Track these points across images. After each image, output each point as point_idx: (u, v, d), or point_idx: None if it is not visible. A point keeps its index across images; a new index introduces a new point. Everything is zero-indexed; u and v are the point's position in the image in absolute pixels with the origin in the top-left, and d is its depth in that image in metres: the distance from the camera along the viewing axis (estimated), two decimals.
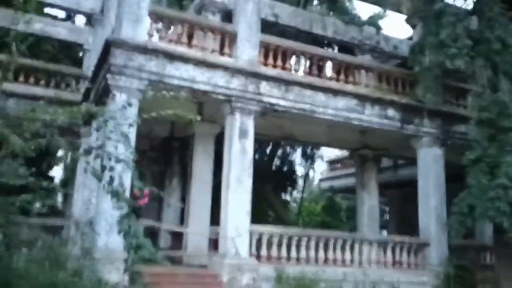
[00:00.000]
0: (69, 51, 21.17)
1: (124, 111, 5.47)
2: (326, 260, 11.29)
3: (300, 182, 26.60)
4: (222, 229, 10.30)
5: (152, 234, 14.77)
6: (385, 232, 22.74)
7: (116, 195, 4.71)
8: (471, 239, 14.40)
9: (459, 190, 13.98)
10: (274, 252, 10.75)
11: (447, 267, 11.63)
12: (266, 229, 10.95)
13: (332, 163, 27.45)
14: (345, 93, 11.87)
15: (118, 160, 4.77)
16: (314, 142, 15.60)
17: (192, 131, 13.05)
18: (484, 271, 12.49)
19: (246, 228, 10.24)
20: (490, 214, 10.21)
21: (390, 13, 19.34)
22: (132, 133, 7.52)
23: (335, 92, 11.76)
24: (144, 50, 9.66)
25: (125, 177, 4.96)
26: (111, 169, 4.77)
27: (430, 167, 12.96)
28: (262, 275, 10.14)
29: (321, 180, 29.24)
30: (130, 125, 5.14)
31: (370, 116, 12.22)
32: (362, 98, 12.11)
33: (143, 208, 16.95)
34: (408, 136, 13.17)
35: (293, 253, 10.95)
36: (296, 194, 29.19)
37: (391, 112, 12.51)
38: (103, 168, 4.79)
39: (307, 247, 11.15)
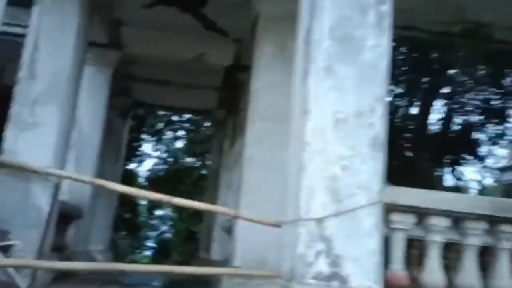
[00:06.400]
0: None
1: None
2: None
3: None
4: (291, 203, 3.17)
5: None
6: None
7: None
8: None
9: None
10: (469, 270, 3.31)
11: None
12: (437, 196, 3.49)
13: None
14: None
15: None
16: None
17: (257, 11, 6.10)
18: None
19: (374, 191, 2.96)
20: None
21: None
22: None
23: None
24: None
25: None
26: None
27: None
28: None
29: (501, 169, 18.38)
30: None
31: None
32: None
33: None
34: None
35: None
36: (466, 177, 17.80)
37: None
38: None
39: None
